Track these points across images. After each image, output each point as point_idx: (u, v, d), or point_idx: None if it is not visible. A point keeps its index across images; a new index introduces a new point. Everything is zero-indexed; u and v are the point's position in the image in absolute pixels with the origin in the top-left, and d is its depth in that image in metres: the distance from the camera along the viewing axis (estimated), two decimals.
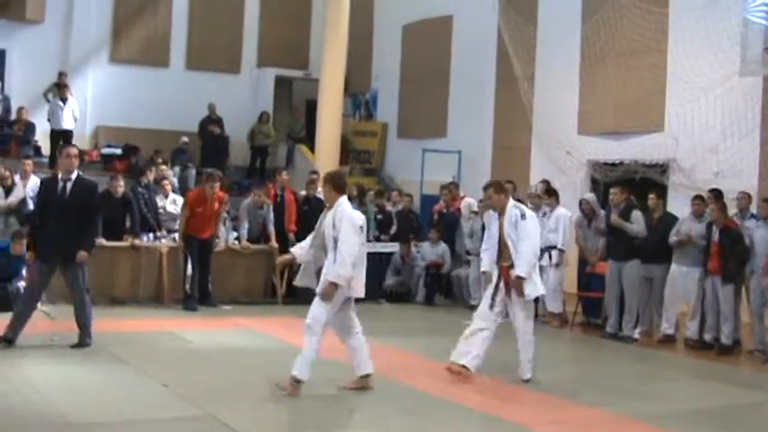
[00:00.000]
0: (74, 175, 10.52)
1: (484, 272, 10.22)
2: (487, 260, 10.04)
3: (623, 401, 9.44)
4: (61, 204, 10.37)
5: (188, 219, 14.59)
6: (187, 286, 14.59)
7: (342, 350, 9.30)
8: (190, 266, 14.60)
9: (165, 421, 7.77)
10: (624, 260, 13.43)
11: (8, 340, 10.25)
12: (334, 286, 8.63)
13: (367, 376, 9.10)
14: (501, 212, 9.89)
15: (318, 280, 8.85)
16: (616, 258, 13.57)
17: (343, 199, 8.91)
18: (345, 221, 8.62)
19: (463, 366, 9.75)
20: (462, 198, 16.84)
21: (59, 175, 10.56)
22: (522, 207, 9.96)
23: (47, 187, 10.70)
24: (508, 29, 19.87)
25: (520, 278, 9.68)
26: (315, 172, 17.31)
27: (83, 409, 7.93)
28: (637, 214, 13.42)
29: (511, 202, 9.98)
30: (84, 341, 10.55)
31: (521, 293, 9.71)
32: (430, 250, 16.62)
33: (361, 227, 8.82)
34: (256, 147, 23.70)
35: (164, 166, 16.48)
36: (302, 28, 26.14)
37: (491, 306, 9.91)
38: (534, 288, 9.83)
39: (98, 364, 9.91)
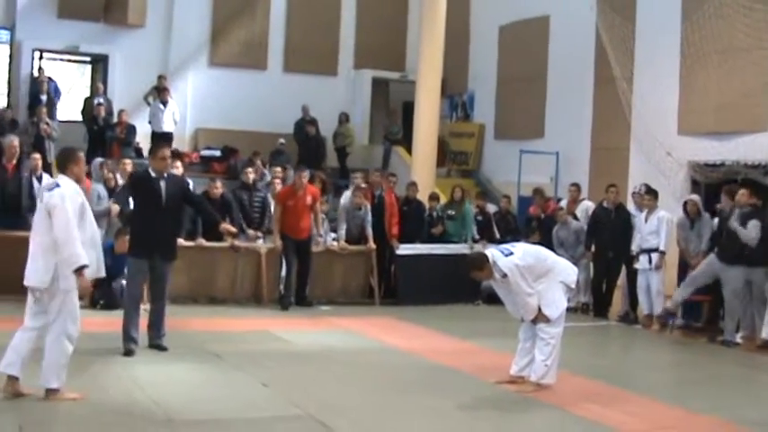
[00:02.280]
0: (166, 174, 10.52)
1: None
2: (511, 309, 9.69)
3: (728, 407, 9.22)
4: (158, 203, 10.29)
5: (282, 215, 14.73)
6: (281, 286, 14.75)
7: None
8: (284, 267, 14.76)
9: (266, 420, 7.84)
10: (730, 264, 13.17)
11: (130, 351, 10.13)
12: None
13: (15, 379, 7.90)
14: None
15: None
16: (722, 259, 13.29)
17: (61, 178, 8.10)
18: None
19: (520, 377, 9.57)
20: (582, 200, 16.65)
21: (152, 174, 10.43)
22: (500, 266, 9.30)
23: (140, 183, 10.61)
24: (606, 28, 19.65)
25: (533, 320, 9.44)
26: (393, 174, 17.44)
27: (184, 407, 8.04)
28: (755, 222, 13.03)
29: (491, 266, 9.32)
30: (161, 344, 10.38)
31: (547, 321, 9.36)
32: None
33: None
34: (337, 148, 23.91)
35: (250, 169, 16.53)
36: (399, 30, 26.17)
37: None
38: (555, 308, 9.42)
39: (198, 362, 10.03)
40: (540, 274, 9.38)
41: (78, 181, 8.19)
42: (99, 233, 8.54)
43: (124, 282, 13.26)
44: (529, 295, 9.28)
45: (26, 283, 7.93)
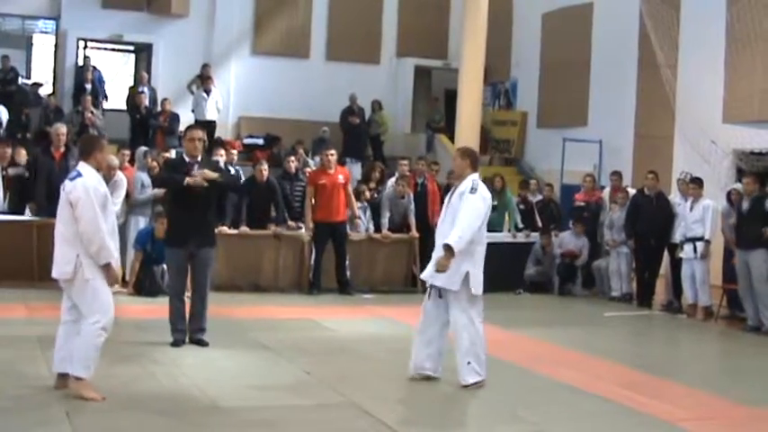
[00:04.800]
0: (199, 158, 10.24)
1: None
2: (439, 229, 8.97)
3: None
4: (190, 188, 9.98)
5: (315, 198, 14.81)
6: (311, 274, 14.87)
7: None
8: (314, 254, 14.87)
9: (308, 408, 7.87)
10: (750, 249, 13.17)
11: (178, 342, 10.04)
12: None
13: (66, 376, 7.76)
14: (458, 184, 8.99)
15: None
16: (743, 247, 13.32)
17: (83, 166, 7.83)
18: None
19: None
20: (625, 187, 16.59)
21: (186, 159, 10.27)
22: (480, 183, 8.80)
23: (173, 169, 10.48)
24: (650, 15, 19.47)
25: (448, 247, 8.46)
26: (436, 162, 17.55)
27: (229, 394, 8.09)
28: None
29: (473, 174, 8.84)
30: (201, 340, 10.14)
31: (440, 267, 8.51)
32: (570, 240, 16.39)
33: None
34: (371, 136, 23.87)
35: (292, 158, 16.62)
36: (441, 17, 26.13)
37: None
38: (452, 279, 8.63)
39: (242, 350, 10.11)
40: (477, 238, 8.79)
41: (100, 169, 7.97)
42: (117, 224, 8.27)
43: (165, 266, 13.42)
44: (471, 225, 8.58)
45: (53, 274, 7.80)
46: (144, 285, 13.48)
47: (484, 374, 8.72)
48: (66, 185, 7.71)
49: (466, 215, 8.59)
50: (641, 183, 16.10)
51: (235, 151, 17.20)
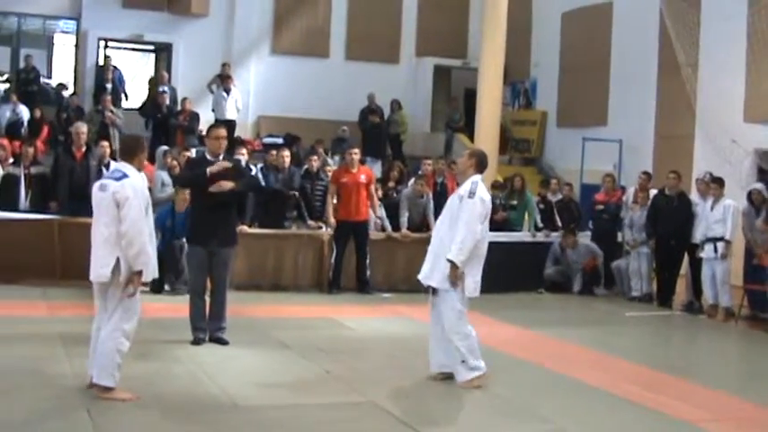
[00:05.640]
0: (222, 156, 10.27)
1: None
2: (434, 241, 8.94)
3: None
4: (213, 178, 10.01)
5: (336, 196, 14.83)
6: (330, 272, 14.86)
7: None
8: (334, 252, 14.84)
9: (328, 406, 7.89)
10: None
11: (199, 341, 10.07)
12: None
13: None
14: (460, 183, 8.86)
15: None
16: None
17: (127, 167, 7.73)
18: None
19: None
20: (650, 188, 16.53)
21: (208, 157, 10.30)
22: (480, 185, 8.62)
23: (196, 167, 10.50)
24: (670, 14, 19.42)
25: (452, 263, 8.51)
26: (455, 162, 17.46)
27: (249, 393, 8.11)
28: None
29: (475, 176, 8.70)
30: (221, 338, 10.17)
31: (454, 283, 8.57)
32: (575, 256, 16.22)
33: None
34: (390, 135, 23.80)
35: (314, 157, 16.62)
36: (461, 17, 26.13)
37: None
38: (474, 283, 8.69)
39: (263, 348, 10.12)
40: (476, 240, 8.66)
41: (141, 170, 7.82)
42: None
43: (185, 240, 13.29)
44: (472, 232, 8.49)
45: (90, 278, 7.66)
46: (165, 268, 13.09)
47: (482, 367, 8.72)
48: (112, 185, 7.52)
49: (465, 223, 8.53)
50: (662, 182, 16.04)
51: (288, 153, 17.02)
